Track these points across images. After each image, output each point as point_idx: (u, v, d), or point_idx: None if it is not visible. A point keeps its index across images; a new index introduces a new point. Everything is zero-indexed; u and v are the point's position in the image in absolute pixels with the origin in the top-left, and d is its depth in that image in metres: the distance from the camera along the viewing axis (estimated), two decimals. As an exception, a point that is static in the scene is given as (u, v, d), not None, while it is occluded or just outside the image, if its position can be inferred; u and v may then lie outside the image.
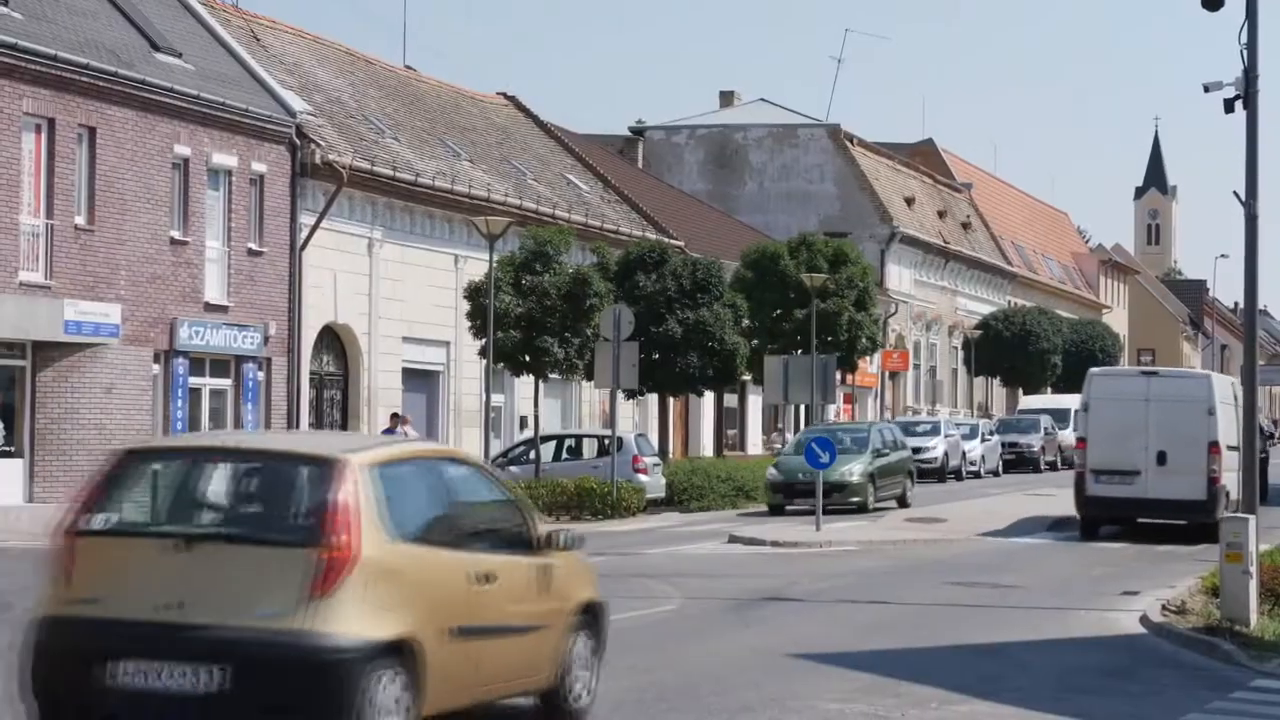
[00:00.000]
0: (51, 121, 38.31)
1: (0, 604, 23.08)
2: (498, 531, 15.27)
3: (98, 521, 13.68)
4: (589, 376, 46.88)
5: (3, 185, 37.00)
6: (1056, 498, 50.01)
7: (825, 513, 40.43)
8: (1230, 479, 37.40)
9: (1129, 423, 39.25)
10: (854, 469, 45.77)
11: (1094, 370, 44.33)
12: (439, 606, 13.76)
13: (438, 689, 13.60)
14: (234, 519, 13.96)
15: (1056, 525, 42.24)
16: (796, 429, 64.70)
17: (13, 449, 38.55)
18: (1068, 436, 78.80)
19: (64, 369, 38.99)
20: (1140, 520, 39.87)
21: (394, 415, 46.04)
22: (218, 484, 14.20)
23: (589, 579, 16.51)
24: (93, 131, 39.38)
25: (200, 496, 14.17)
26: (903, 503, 48.59)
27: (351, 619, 12.97)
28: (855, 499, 45.43)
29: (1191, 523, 37.78)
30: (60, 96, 38.41)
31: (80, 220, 39.14)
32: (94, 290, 39.33)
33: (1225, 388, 40.64)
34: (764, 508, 46.81)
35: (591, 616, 15.99)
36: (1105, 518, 40.68)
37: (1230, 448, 38.06)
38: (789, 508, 45.24)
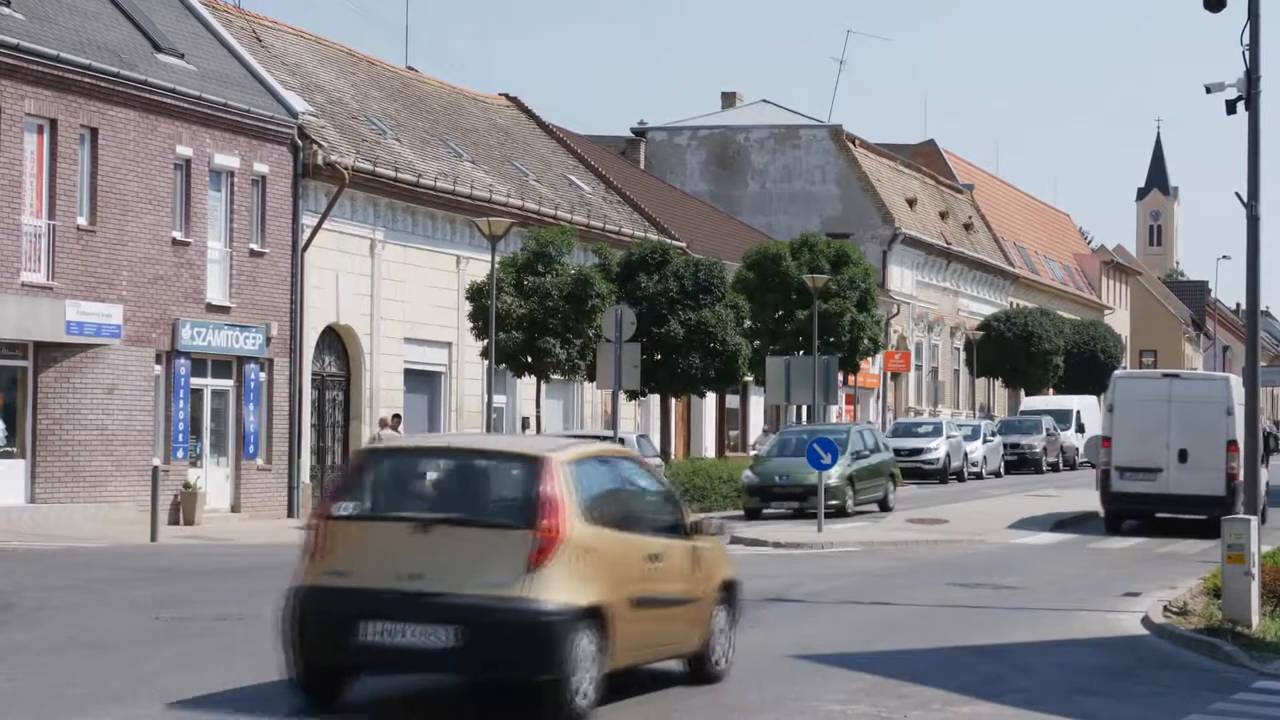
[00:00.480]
0: (54, 122, 38.32)
1: (2, 604, 23.17)
2: (659, 518, 18.06)
3: (346, 508, 16.46)
4: (591, 377, 46.90)
5: (5, 186, 37.02)
6: (1058, 498, 50.11)
7: (802, 516, 40.42)
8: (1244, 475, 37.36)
9: (1152, 422, 41.47)
10: (832, 471, 43.43)
11: (1118, 373, 49.33)
12: (621, 580, 16.44)
13: (620, 648, 16.20)
14: (462, 506, 16.57)
15: (1058, 526, 42.30)
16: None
17: (14, 449, 38.56)
18: (1069, 437, 79.11)
19: (66, 369, 39.01)
20: (1159, 515, 41.50)
21: (386, 418, 45.88)
22: (446, 477, 17.02)
23: (727, 560, 19.22)
24: (95, 132, 39.40)
25: (432, 487, 17.00)
26: (884, 506, 47.75)
27: (559, 588, 15.58)
28: (833, 502, 43.76)
29: (1210, 517, 37.99)
30: (62, 97, 38.43)
31: (82, 221, 39.16)
32: (96, 291, 39.34)
33: (1242, 389, 41.22)
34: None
35: (729, 593, 18.78)
36: (1129, 512, 42.61)
37: (1236, 445, 39.93)
38: (765, 511, 45.26)
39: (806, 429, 50.79)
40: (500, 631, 15.45)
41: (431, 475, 17.16)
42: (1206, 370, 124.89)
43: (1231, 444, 39.63)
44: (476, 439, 22.84)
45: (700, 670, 18.21)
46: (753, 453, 48.32)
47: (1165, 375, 46.79)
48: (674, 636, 17.72)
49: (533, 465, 16.30)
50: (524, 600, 15.47)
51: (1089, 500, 44.47)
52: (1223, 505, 36.30)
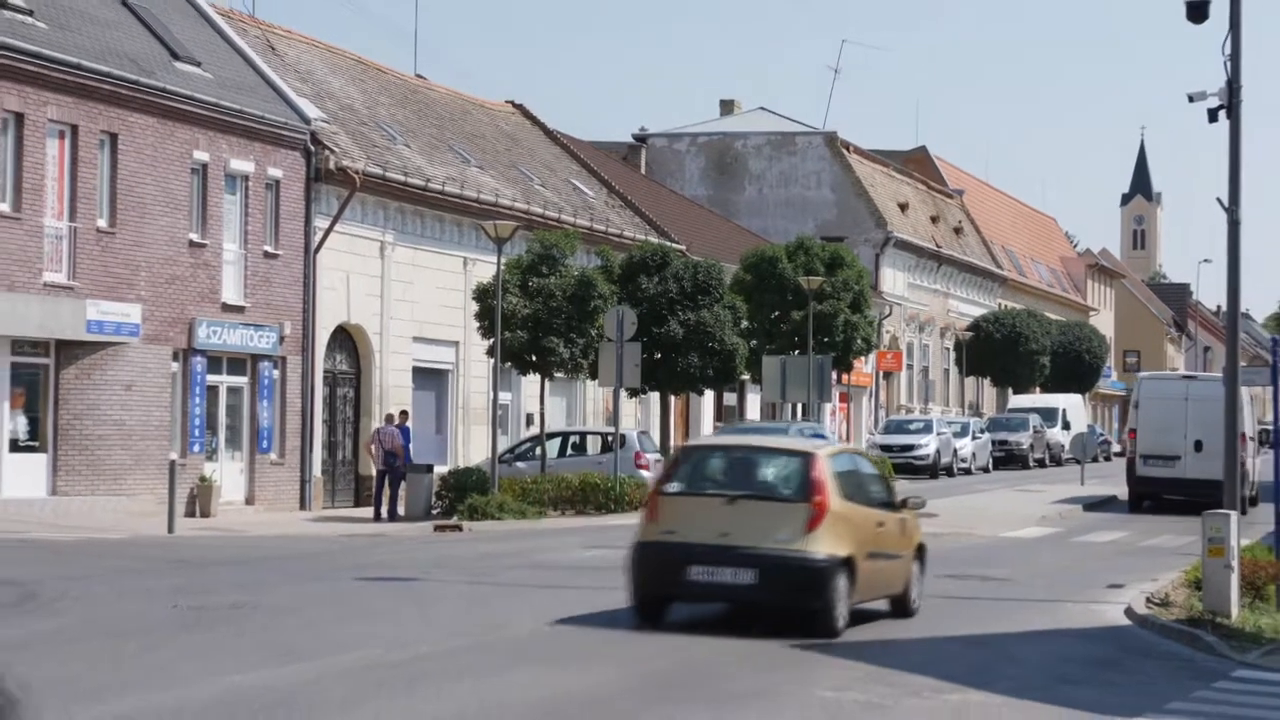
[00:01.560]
0: (75, 128, 38.35)
1: (25, 594, 23.18)
2: (881, 496, 23.69)
3: (674, 487, 22.10)
4: (593, 375, 46.88)
5: (28, 189, 37.05)
6: (1045, 493, 50.18)
7: None
8: (1251, 464, 46.36)
9: (1172, 417, 47.54)
10: None
11: (1142, 374, 57.54)
12: (862, 539, 21.88)
13: (859, 588, 21.62)
14: (757, 486, 22.36)
15: (1044, 520, 42.39)
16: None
17: (37, 444, 38.60)
18: (1056, 434, 79.22)
19: (86, 367, 39.04)
20: (1168, 497, 47.13)
21: (394, 414, 45.86)
22: (744, 466, 22.84)
23: (920, 528, 24.71)
24: (114, 138, 39.44)
25: (735, 473, 22.65)
26: None
27: (826, 544, 21.12)
28: None
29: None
30: (83, 104, 38.46)
31: (102, 223, 39.19)
32: (115, 291, 39.37)
33: (1249, 390, 45.19)
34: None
35: (921, 552, 24.25)
36: (1151, 494, 48.56)
37: (1250, 438, 46.60)
38: None
39: (747, 427, 49.40)
40: (787, 574, 20.97)
41: (735, 464, 22.94)
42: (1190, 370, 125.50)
43: (1241, 436, 41.02)
44: (764, 439, 28.95)
45: (901, 607, 23.66)
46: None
47: (1184, 377, 55.67)
48: (889, 581, 23.17)
49: (806, 458, 22.13)
50: (803, 552, 21.03)
51: (1072, 493, 44.72)
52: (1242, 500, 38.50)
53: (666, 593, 21.58)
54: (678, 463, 23.09)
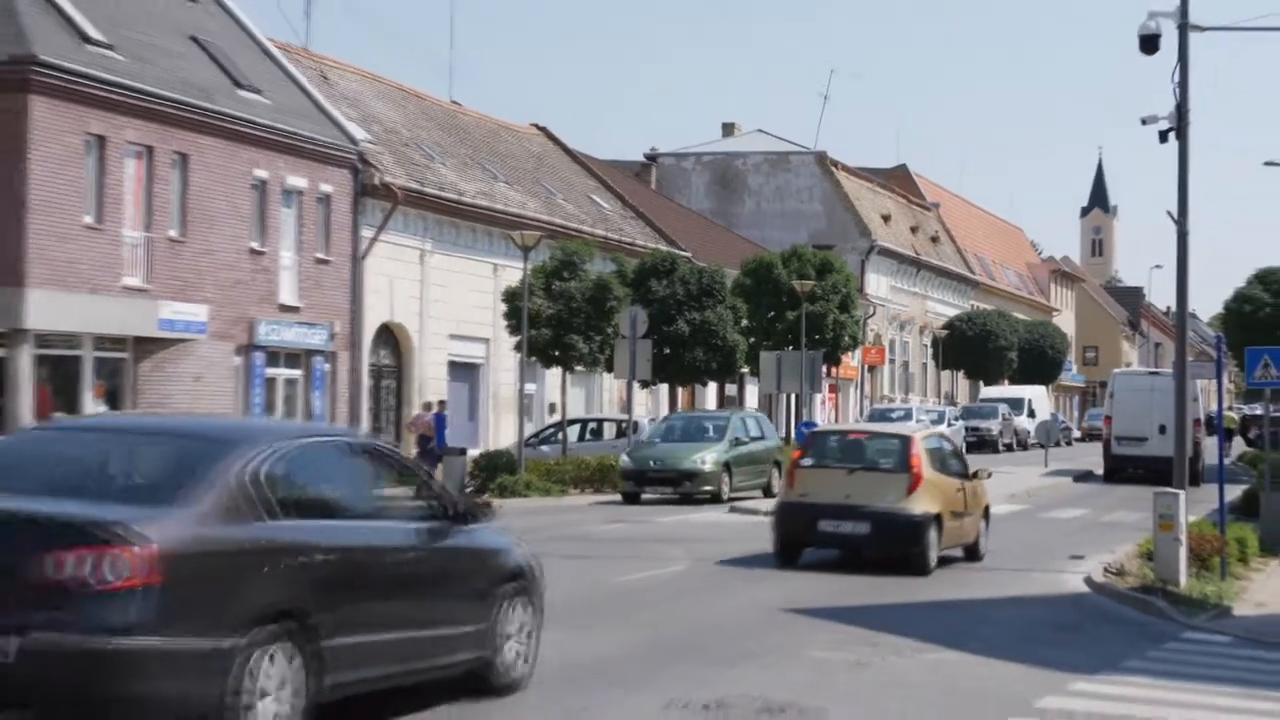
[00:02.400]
0: (150, 149, 38.42)
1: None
2: (959, 468, 27.28)
3: (806, 461, 26.15)
4: (609, 368, 46.93)
5: (109, 203, 37.12)
6: (1014, 475, 50.05)
7: (677, 502, 38.82)
8: (1203, 444, 52.93)
9: (1140, 406, 51.53)
10: (706, 457, 39.57)
11: (1116, 371, 64.25)
12: (946, 501, 25.61)
13: (944, 539, 25.33)
14: (871, 459, 26.12)
15: (1013, 498, 42.41)
16: (788, 417, 64.67)
17: (115, 430, 38.62)
18: (1022, 422, 79.16)
19: (160, 360, 39.12)
20: (1137, 471, 50.24)
21: (431, 403, 45.93)
22: (860, 446, 26.77)
23: (986, 493, 28.19)
24: (185, 157, 39.50)
25: (852, 450, 26.60)
26: (768, 492, 40.22)
27: (921, 504, 24.98)
28: (708, 488, 39.34)
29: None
30: (158, 127, 38.51)
31: (174, 233, 39.26)
32: (185, 293, 39.45)
33: (1200, 384, 50.73)
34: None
35: (987, 512, 27.86)
36: (1123, 469, 52.24)
37: (1201, 423, 53.37)
38: (644, 496, 39.83)
39: (690, 414, 48.16)
40: (894, 526, 24.80)
41: (851, 444, 26.93)
42: (1142, 365, 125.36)
43: (1196, 422, 47.85)
44: (873, 426, 35.06)
45: (973, 553, 27.23)
46: (641, 437, 44.19)
47: (1150, 372, 60.21)
48: (965, 534, 26.71)
49: (906, 439, 26.29)
50: (905, 510, 24.88)
51: (1035, 475, 44.62)
52: (1191, 464, 39.97)
53: (802, 540, 25.40)
54: (810, 444, 27.43)
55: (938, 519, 25.06)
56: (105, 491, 11.50)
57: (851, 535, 25.05)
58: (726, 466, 39.89)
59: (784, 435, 55.36)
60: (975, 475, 27.60)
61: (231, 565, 11.01)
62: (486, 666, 13.65)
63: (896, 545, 24.92)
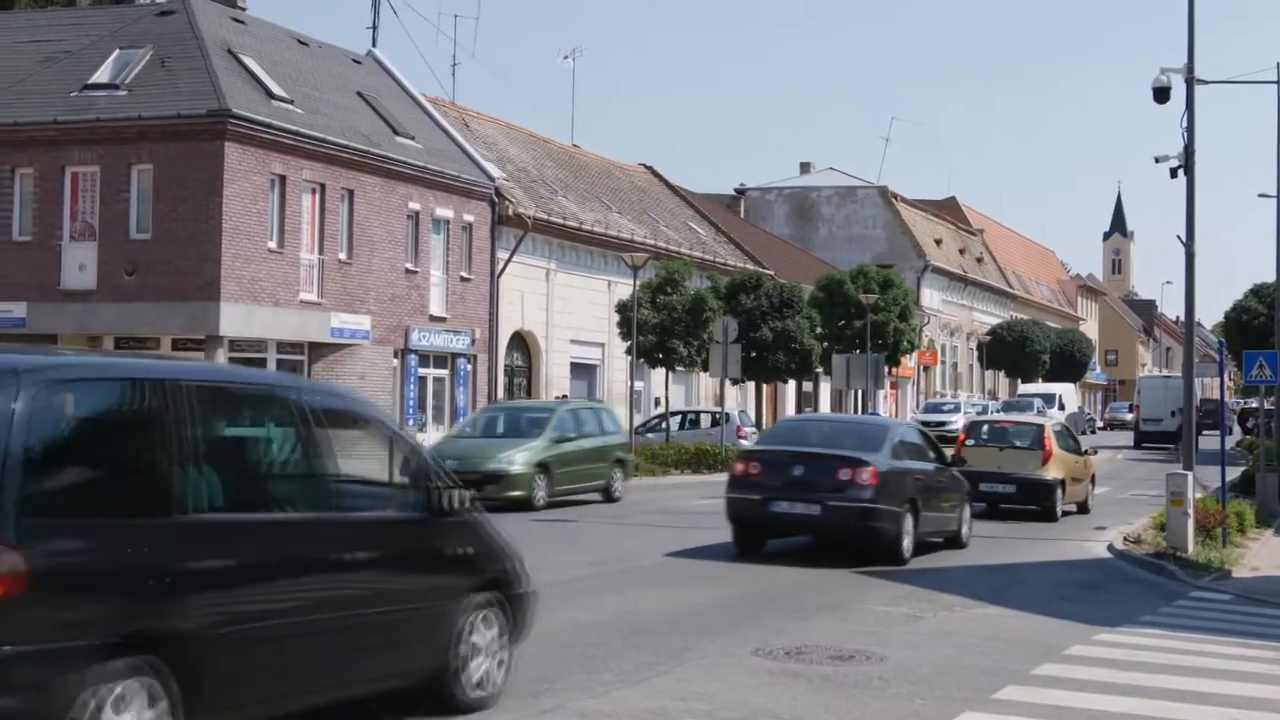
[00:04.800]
0: (322, 186, 38.79)
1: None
2: (1076, 446, 31.13)
3: (969, 441, 29.92)
4: (705, 368, 46.90)
5: (288, 231, 37.50)
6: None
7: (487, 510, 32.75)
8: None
9: (1158, 398, 65.70)
10: (516, 457, 28.12)
11: (1141, 375, 79.14)
12: (1068, 470, 29.74)
13: (1066, 498, 29.67)
14: (1017, 440, 29.62)
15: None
16: (857, 410, 64.34)
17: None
18: (1054, 414, 78.39)
19: (331, 362, 39.47)
20: (1157, 445, 62.49)
21: (559, 397, 46.11)
22: (1006, 430, 30.49)
23: (1092, 464, 32.13)
24: (351, 193, 39.84)
25: (1001, 433, 30.21)
26: (608, 496, 30.77)
27: (1052, 472, 28.99)
28: (515, 493, 27.52)
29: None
30: (328, 168, 38.90)
31: (342, 256, 39.61)
32: (351, 306, 39.78)
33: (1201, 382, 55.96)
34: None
35: (1094, 479, 32.22)
36: (1147, 439, 65.79)
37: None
38: None
39: (509, 406, 34.91)
40: (1035, 487, 28.92)
41: (999, 431, 30.47)
42: (1154, 366, 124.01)
43: (1196, 409, 54.82)
44: (1015, 415, 38.38)
45: (1084, 509, 30.88)
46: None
47: (1164, 376, 75.51)
48: (1078, 495, 30.58)
49: (1040, 426, 30.30)
50: (1041, 477, 28.94)
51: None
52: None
53: (971, 497, 25.74)
54: (970, 429, 31.02)
55: (1062, 483, 29.45)
56: (841, 446, 21.02)
57: (1002, 493, 28.94)
58: (543, 467, 28.56)
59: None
60: (1086, 452, 31.90)
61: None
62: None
63: (1035, 500, 29.01)
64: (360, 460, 9.94)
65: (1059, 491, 29.28)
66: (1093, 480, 32.15)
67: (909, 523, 20.88)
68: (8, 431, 7.29)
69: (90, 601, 7.53)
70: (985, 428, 31.24)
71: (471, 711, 10.44)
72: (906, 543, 20.86)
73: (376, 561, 9.53)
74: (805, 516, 20.32)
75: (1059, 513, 29.15)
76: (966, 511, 23.88)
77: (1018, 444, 29.81)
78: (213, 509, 8.43)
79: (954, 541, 23.41)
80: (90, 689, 7.40)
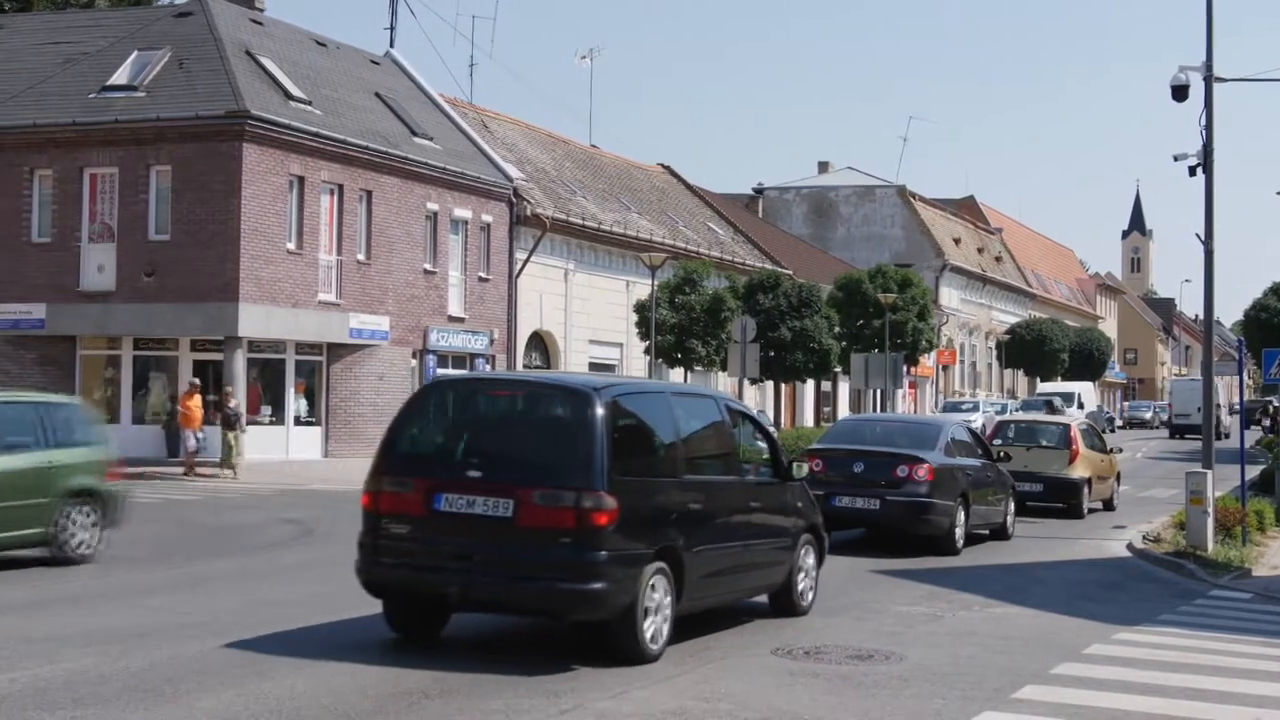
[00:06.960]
0: (341, 186, 38.86)
1: (304, 529, 23.57)
2: (1101, 445, 31.50)
3: (997, 440, 29.73)
4: (723, 368, 46.90)
5: (307, 232, 37.57)
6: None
7: None
8: (1226, 419, 71.01)
9: (1188, 397, 72.31)
10: None
11: (1173, 378, 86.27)
12: (1094, 468, 30.12)
13: (1092, 495, 30.11)
14: (1042, 440, 29.99)
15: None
16: (876, 410, 64.27)
17: (314, 419, 39.16)
18: (1073, 412, 78.26)
19: (349, 363, 39.53)
20: (1187, 437, 70.99)
21: None
22: (1033, 430, 30.93)
23: (1117, 463, 32.64)
24: (369, 193, 39.91)
25: (1029, 433, 30.73)
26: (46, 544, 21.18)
27: (1078, 470, 29.44)
28: None
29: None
30: (347, 168, 38.97)
31: (361, 256, 39.67)
32: (370, 306, 39.84)
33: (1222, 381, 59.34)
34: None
35: (1119, 477, 32.61)
36: (1177, 431, 75.09)
37: (1221, 406, 66.28)
38: None
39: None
40: (1060, 486, 29.35)
41: (1029, 430, 30.96)
42: (1174, 364, 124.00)
43: (1217, 405, 59.31)
44: (1041, 416, 39.73)
45: (1109, 506, 31.41)
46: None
47: (1192, 379, 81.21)
48: (1104, 492, 31.19)
49: (1067, 426, 30.56)
50: (1067, 475, 29.30)
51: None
52: (1221, 432, 54.07)
53: None
54: (997, 430, 31.63)
55: (1089, 482, 29.86)
56: (898, 444, 22.45)
57: (1030, 492, 28.76)
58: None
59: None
60: (1111, 451, 32.45)
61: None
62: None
63: (1062, 498, 29.53)
64: (747, 443, 14.93)
65: (1085, 490, 29.74)
66: (1118, 478, 32.69)
67: (961, 515, 22.20)
68: (599, 428, 11.84)
69: (642, 527, 12.11)
70: (1012, 427, 31.81)
71: (801, 615, 15.34)
72: (959, 534, 22.12)
73: (763, 509, 14.45)
74: (866, 510, 21.75)
75: (1085, 510, 29.58)
76: (1011, 505, 25.01)
77: (1045, 443, 30.25)
78: (690, 473, 13.14)
79: (999, 533, 24.53)
80: (645, 576, 12.10)
